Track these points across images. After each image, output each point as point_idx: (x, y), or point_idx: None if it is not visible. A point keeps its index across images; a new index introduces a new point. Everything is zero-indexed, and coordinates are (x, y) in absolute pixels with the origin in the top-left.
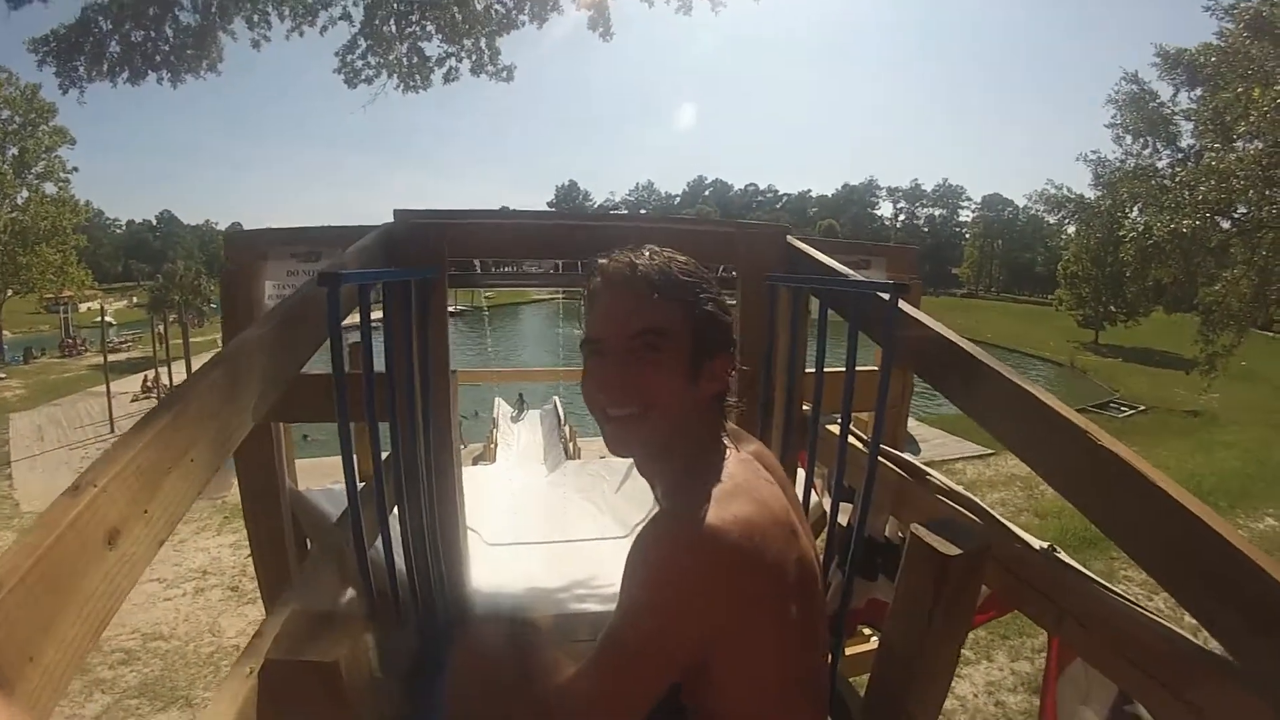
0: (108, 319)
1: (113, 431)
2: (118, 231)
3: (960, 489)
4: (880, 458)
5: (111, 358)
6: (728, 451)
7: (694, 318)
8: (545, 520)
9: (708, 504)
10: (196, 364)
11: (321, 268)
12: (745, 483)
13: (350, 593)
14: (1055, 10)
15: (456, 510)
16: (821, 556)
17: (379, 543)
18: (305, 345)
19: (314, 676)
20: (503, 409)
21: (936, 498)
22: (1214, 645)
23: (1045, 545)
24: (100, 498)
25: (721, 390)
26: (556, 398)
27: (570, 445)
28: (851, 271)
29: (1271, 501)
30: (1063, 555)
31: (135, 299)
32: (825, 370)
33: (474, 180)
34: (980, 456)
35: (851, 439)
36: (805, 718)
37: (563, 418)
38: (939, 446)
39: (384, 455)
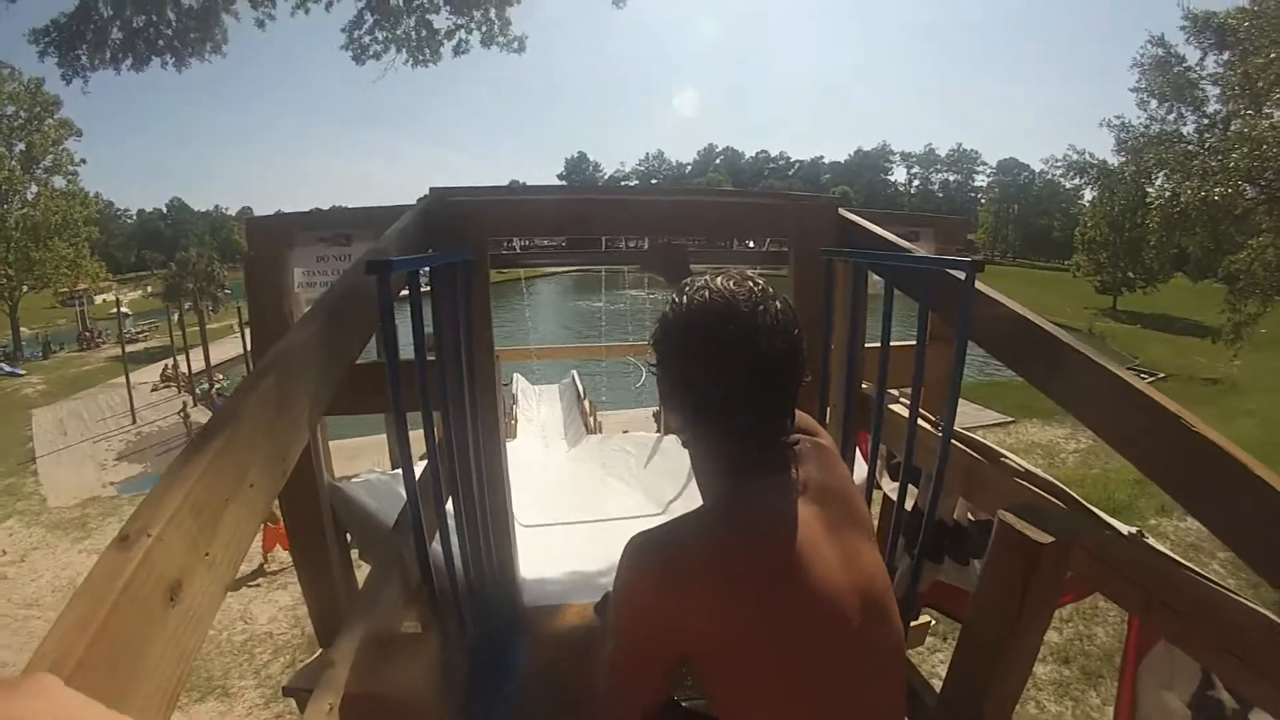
0: (123, 310)
1: (134, 423)
2: (128, 222)
3: (1040, 472)
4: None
5: (129, 348)
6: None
7: None
8: (576, 499)
9: (685, 527)
10: (215, 351)
11: (355, 252)
12: (741, 513)
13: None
14: None
15: (505, 496)
16: (888, 542)
17: (436, 540)
18: (355, 338)
19: (395, 710)
20: (522, 384)
21: (1015, 481)
22: None
23: (1133, 530)
24: (156, 548)
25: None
26: (574, 371)
27: (591, 420)
28: (911, 246)
29: None
30: (1151, 540)
31: (150, 288)
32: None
33: (482, 151)
34: (1001, 424)
35: (920, 420)
36: None
37: (582, 392)
38: (958, 415)
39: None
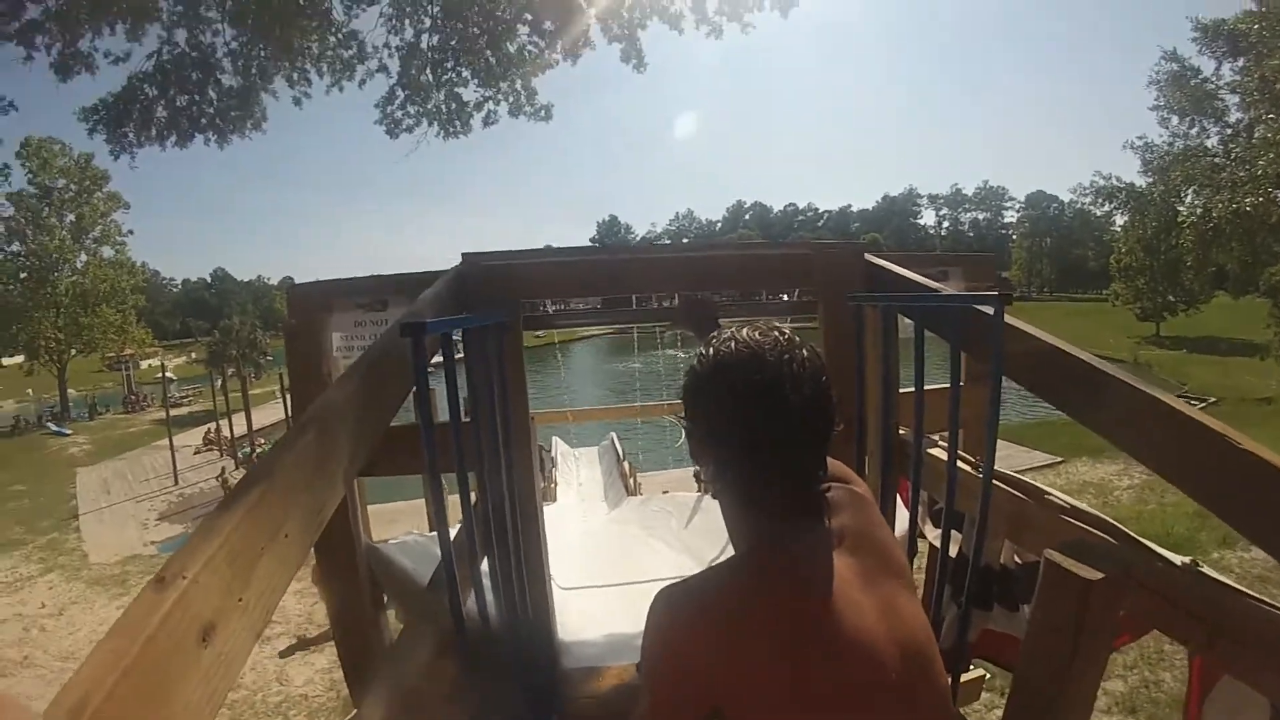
0: (168, 375)
1: (176, 484)
2: (174, 291)
3: (1087, 508)
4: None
5: (173, 412)
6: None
7: None
8: (616, 560)
9: (713, 577)
10: (256, 416)
11: (391, 317)
12: (771, 561)
13: (448, 653)
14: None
15: (543, 558)
16: (934, 592)
17: (471, 598)
18: (391, 399)
19: None
20: (560, 447)
21: (1061, 518)
22: None
23: (1187, 561)
24: (191, 590)
25: None
26: (613, 434)
27: (631, 481)
28: (938, 285)
29: None
30: (1208, 570)
31: (194, 355)
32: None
33: (515, 218)
34: (1050, 465)
35: (959, 463)
36: None
37: (621, 454)
38: (1004, 459)
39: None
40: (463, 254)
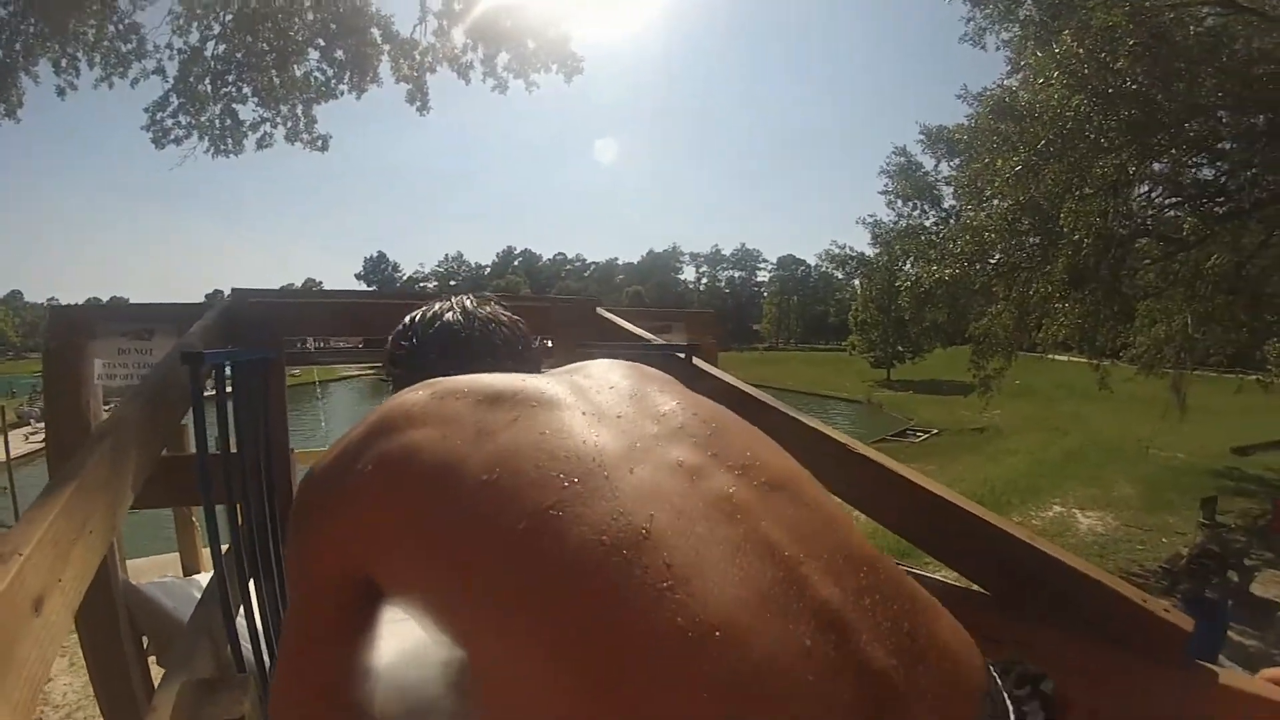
0: None
1: None
2: None
3: None
4: None
5: None
6: None
7: None
8: None
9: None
10: None
11: (155, 347)
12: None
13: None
14: (831, 92)
15: None
16: None
17: (241, 621)
18: (169, 423)
19: None
20: None
21: None
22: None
23: None
24: (26, 565)
25: None
26: None
27: None
28: (654, 336)
29: (1055, 494)
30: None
31: None
32: None
33: (284, 243)
34: None
35: None
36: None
37: None
38: None
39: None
40: (232, 289)
